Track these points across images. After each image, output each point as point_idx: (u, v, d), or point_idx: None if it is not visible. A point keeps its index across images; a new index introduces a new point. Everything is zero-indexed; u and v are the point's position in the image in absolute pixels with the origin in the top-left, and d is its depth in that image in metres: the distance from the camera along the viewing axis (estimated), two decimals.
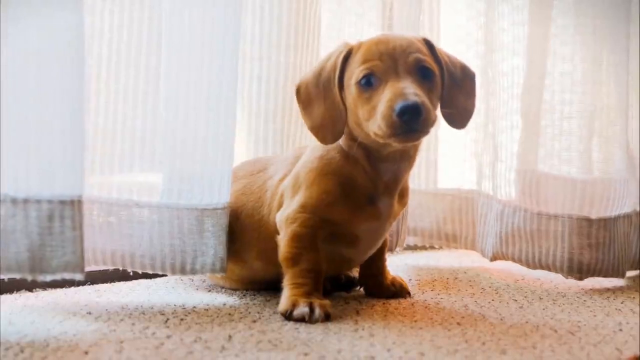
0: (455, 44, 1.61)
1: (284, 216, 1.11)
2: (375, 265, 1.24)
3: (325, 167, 1.12)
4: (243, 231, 1.18)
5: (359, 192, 1.10)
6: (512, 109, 1.47)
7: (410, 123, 0.99)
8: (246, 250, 1.18)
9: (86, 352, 0.87)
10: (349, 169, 1.11)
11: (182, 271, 1.15)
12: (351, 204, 1.10)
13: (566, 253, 1.39)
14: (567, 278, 1.41)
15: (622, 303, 1.24)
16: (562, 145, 1.45)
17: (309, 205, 1.10)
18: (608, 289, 1.36)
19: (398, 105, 0.98)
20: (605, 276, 1.40)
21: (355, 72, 1.06)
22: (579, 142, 1.44)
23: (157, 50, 1.15)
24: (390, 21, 1.52)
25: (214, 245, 1.15)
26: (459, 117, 1.12)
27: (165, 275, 1.29)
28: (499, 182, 1.47)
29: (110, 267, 1.16)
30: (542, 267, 1.41)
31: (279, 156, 1.26)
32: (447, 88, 1.10)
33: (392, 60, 1.04)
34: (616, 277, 1.41)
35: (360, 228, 1.12)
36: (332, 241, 1.12)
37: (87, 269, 1.25)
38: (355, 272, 1.29)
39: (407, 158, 1.12)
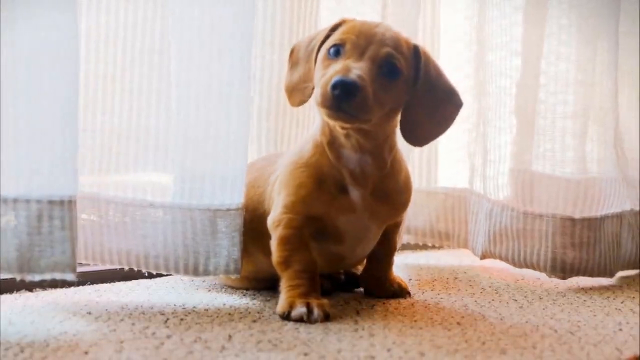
0: (454, 43, 1.61)
1: (271, 220, 1.12)
2: (378, 266, 1.23)
3: (297, 160, 1.12)
4: (250, 223, 1.18)
5: (329, 181, 1.10)
6: (503, 109, 1.47)
7: (340, 100, 0.99)
8: (252, 243, 1.18)
9: (86, 352, 0.87)
10: (317, 157, 1.11)
11: (196, 272, 1.15)
12: (325, 194, 1.10)
13: (549, 252, 1.39)
14: (550, 277, 1.41)
15: (622, 303, 1.24)
16: (547, 146, 1.45)
17: (289, 204, 1.10)
18: (608, 289, 1.36)
19: (335, 78, 0.99)
20: (591, 276, 1.40)
21: (330, 39, 1.07)
22: (564, 141, 1.44)
23: (170, 48, 1.16)
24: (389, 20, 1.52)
25: (227, 247, 1.15)
26: (420, 135, 1.12)
27: (167, 275, 1.29)
28: (488, 181, 1.47)
29: (126, 267, 1.17)
30: (527, 266, 1.42)
31: (286, 152, 1.27)
32: (417, 101, 1.09)
33: (365, 42, 1.04)
34: (603, 276, 1.41)
35: (340, 221, 1.11)
36: (319, 239, 1.12)
37: (90, 268, 1.26)
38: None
39: (368, 151, 1.10)
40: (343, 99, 0.98)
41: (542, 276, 1.46)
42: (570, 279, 1.42)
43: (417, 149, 1.58)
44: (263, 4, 1.35)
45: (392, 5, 1.49)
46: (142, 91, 1.16)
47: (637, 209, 1.51)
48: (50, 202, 0.98)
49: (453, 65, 1.59)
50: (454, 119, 1.13)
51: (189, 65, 1.13)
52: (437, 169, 1.62)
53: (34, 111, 0.97)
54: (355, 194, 1.11)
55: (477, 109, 1.52)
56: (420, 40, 1.53)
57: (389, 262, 1.24)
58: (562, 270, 1.39)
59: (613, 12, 1.44)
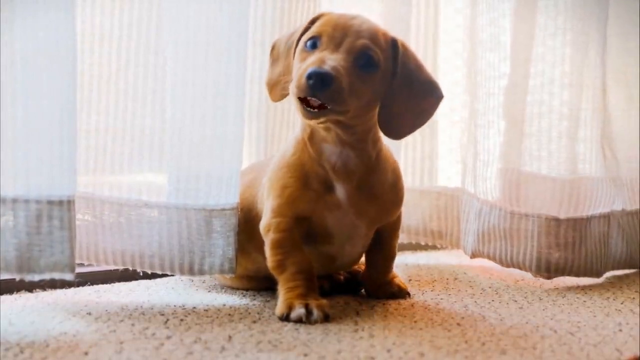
0: (453, 43, 1.61)
1: (262, 225, 1.12)
2: (378, 271, 1.23)
3: (281, 161, 1.13)
4: (245, 223, 1.18)
5: (313, 179, 1.10)
6: (493, 109, 1.47)
7: (315, 90, 0.98)
8: (248, 242, 1.18)
9: (86, 353, 0.87)
10: (298, 155, 1.11)
11: (191, 272, 1.15)
12: (310, 192, 1.10)
13: (535, 252, 1.39)
14: (535, 277, 1.42)
15: (622, 303, 1.24)
16: (534, 146, 1.45)
17: (276, 207, 1.10)
18: (608, 290, 1.36)
19: (309, 69, 0.99)
20: (577, 275, 1.41)
21: (308, 33, 1.07)
22: (551, 141, 1.44)
23: (165, 49, 1.16)
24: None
25: (222, 246, 1.15)
26: (397, 128, 1.11)
27: (166, 276, 1.29)
28: (479, 180, 1.48)
29: (121, 267, 1.17)
30: (513, 266, 1.42)
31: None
32: (395, 94, 1.08)
33: (341, 34, 1.05)
34: (590, 276, 1.42)
35: (328, 219, 1.11)
36: (309, 241, 1.12)
37: (89, 269, 1.26)
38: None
39: (349, 145, 1.09)
40: (317, 89, 0.98)
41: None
42: (570, 280, 1.42)
43: (412, 147, 1.59)
44: (254, 3, 1.35)
45: (385, 3, 1.49)
46: (138, 91, 1.16)
47: (628, 209, 1.51)
48: (49, 202, 0.98)
49: (452, 65, 1.60)
50: (433, 112, 1.13)
51: (185, 66, 1.13)
52: (436, 167, 1.62)
53: (32, 111, 0.97)
54: (339, 189, 1.10)
55: (470, 109, 1.52)
56: (414, 39, 1.53)
57: (388, 269, 1.24)
58: (547, 270, 1.39)
59: (601, 13, 1.45)
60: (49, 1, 0.97)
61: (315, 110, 1.01)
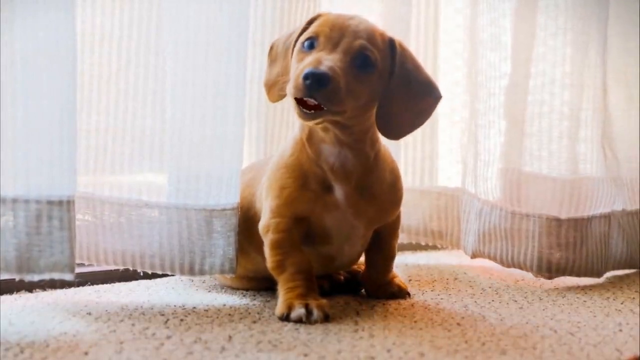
0: (453, 44, 1.61)
1: (261, 226, 1.12)
2: (378, 272, 1.23)
3: (279, 161, 1.13)
4: (244, 222, 1.18)
5: (311, 179, 1.10)
6: (493, 109, 1.47)
7: (311, 90, 0.98)
8: (247, 241, 1.18)
9: (86, 353, 0.87)
10: (297, 156, 1.11)
11: (191, 272, 1.16)
12: (308, 193, 1.10)
13: (536, 252, 1.39)
14: (536, 277, 1.42)
15: (622, 304, 1.24)
16: (535, 146, 1.45)
17: (275, 208, 1.10)
18: (608, 290, 1.36)
19: (306, 69, 0.99)
20: (577, 275, 1.41)
21: (305, 33, 1.07)
22: (552, 141, 1.44)
23: (165, 49, 1.16)
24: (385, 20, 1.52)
25: (222, 246, 1.15)
26: (395, 128, 1.10)
27: (166, 276, 1.29)
28: (479, 180, 1.48)
29: (121, 267, 1.17)
30: (514, 266, 1.42)
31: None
32: (393, 94, 1.08)
33: (339, 35, 1.04)
34: (590, 276, 1.42)
35: (326, 219, 1.11)
36: (308, 241, 1.12)
37: (89, 269, 1.26)
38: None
39: (347, 145, 1.09)
40: (314, 89, 0.98)
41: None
42: (570, 280, 1.42)
43: (412, 147, 1.59)
44: (254, 3, 1.35)
45: (385, 3, 1.49)
46: (138, 91, 1.16)
47: (629, 209, 1.51)
48: (49, 202, 0.98)
49: (452, 65, 1.60)
50: (431, 112, 1.13)
51: (185, 66, 1.13)
52: (437, 167, 1.62)
53: (32, 111, 0.98)
54: (338, 190, 1.10)
55: (470, 109, 1.52)
56: (414, 39, 1.53)
57: (387, 269, 1.24)
58: (548, 270, 1.40)
59: (602, 13, 1.45)
60: (49, 1, 0.98)
61: (312, 111, 1.01)
